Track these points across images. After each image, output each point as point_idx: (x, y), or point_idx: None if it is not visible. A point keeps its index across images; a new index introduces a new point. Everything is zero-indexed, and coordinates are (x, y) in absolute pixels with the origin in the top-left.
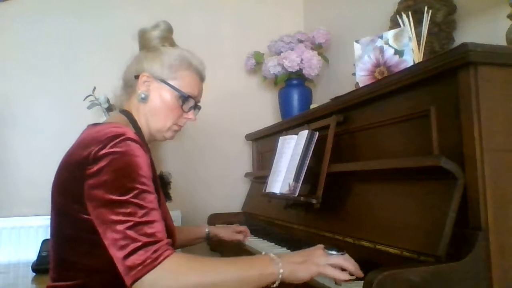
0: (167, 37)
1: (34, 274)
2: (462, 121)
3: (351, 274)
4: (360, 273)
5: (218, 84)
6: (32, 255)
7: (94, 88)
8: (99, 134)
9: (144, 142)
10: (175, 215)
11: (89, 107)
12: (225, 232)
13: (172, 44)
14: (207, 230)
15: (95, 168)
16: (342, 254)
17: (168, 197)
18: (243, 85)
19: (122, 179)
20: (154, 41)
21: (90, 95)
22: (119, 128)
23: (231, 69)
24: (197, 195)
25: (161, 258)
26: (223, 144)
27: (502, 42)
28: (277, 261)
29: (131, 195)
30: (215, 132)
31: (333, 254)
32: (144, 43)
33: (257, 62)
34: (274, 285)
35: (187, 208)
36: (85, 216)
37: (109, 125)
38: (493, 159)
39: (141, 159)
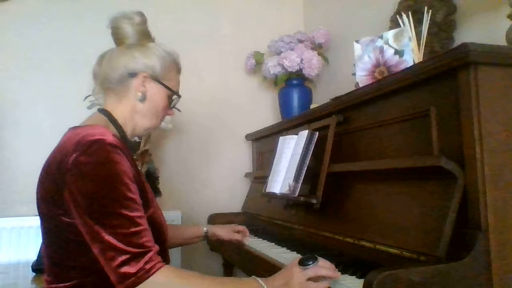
0: (146, 31)
1: (34, 274)
2: (462, 121)
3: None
4: (336, 275)
5: (218, 84)
6: (32, 255)
7: (94, 88)
8: (77, 138)
9: (126, 140)
10: (175, 215)
11: (89, 107)
12: (224, 231)
13: (153, 39)
14: (205, 229)
15: (76, 176)
16: (316, 263)
17: (157, 192)
18: (243, 85)
19: (106, 190)
20: (134, 36)
21: (90, 95)
22: (97, 131)
23: (231, 69)
24: (197, 195)
25: (154, 270)
26: (223, 144)
27: (502, 42)
28: (263, 285)
29: (116, 205)
30: (215, 132)
31: (309, 266)
32: (122, 36)
33: (257, 62)
34: None
35: (187, 208)
36: (70, 220)
37: (89, 128)
38: (493, 159)
39: (122, 165)
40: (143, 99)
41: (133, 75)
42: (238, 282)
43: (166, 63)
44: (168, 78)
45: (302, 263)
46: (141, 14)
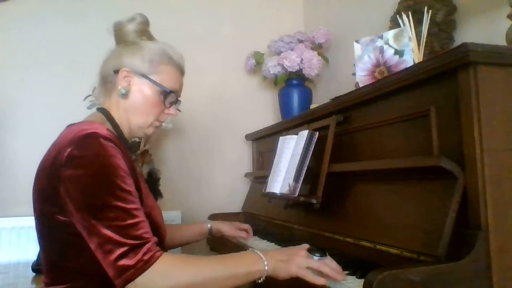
0: (144, 30)
1: (34, 274)
2: (462, 121)
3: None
4: (339, 278)
5: (218, 84)
6: (32, 255)
7: (94, 88)
8: (72, 134)
9: (123, 139)
10: (175, 215)
11: (89, 107)
12: (228, 228)
13: (150, 37)
14: (209, 225)
15: (71, 170)
16: (323, 258)
17: (158, 194)
18: (243, 85)
19: (101, 183)
20: (131, 35)
21: (90, 95)
22: (90, 126)
23: (231, 69)
24: (197, 195)
25: (153, 260)
26: (223, 144)
27: (502, 42)
28: (263, 258)
29: (111, 198)
30: (215, 132)
31: (315, 257)
32: (121, 37)
33: (257, 62)
34: (259, 281)
35: (187, 208)
36: (66, 219)
37: (82, 124)
38: (493, 159)
39: (116, 158)
40: (125, 94)
41: (116, 71)
42: (237, 256)
43: (154, 57)
44: (157, 71)
45: (310, 251)
46: (142, 16)
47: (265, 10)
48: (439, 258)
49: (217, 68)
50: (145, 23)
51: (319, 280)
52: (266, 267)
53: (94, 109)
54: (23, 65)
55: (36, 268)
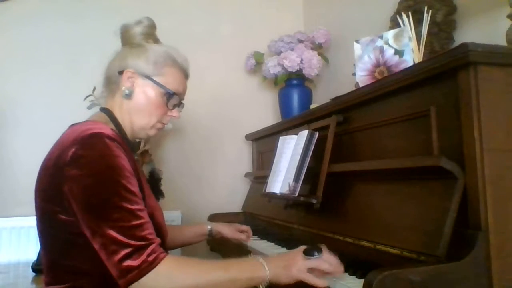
0: (151, 33)
1: (34, 274)
2: (462, 121)
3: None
4: (337, 270)
5: (218, 84)
6: (32, 255)
7: (94, 88)
8: (75, 134)
9: (126, 139)
10: (175, 215)
11: (89, 107)
12: (228, 230)
13: (156, 40)
14: (209, 227)
15: (75, 170)
16: (320, 256)
17: (160, 194)
18: (243, 85)
19: (106, 183)
20: (138, 37)
21: (90, 95)
22: (95, 126)
23: (231, 69)
24: (197, 195)
25: (157, 261)
26: (223, 144)
27: (502, 42)
28: (264, 265)
29: (116, 198)
30: (215, 132)
31: (313, 257)
32: (127, 39)
33: (257, 62)
34: (261, 287)
35: (187, 208)
36: (68, 218)
37: (86, 124)
38: (493, 159)
39: (121, 158)
40: (129, 95)
41: (120, 72)
42: (240, 262)
43: (159, 59)
44: (161, 74)
45: (307, 253)
46: (149, 19)
47: (265, 10)
48: (439, 258)
49: (217, 68)
50: (152, 26)
51: (321, 283)
52: (267, 273)
53: (96, 109)
54: (23, 65)
55: (36, 268)
